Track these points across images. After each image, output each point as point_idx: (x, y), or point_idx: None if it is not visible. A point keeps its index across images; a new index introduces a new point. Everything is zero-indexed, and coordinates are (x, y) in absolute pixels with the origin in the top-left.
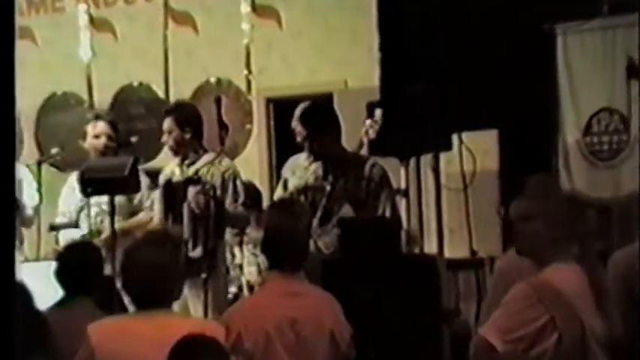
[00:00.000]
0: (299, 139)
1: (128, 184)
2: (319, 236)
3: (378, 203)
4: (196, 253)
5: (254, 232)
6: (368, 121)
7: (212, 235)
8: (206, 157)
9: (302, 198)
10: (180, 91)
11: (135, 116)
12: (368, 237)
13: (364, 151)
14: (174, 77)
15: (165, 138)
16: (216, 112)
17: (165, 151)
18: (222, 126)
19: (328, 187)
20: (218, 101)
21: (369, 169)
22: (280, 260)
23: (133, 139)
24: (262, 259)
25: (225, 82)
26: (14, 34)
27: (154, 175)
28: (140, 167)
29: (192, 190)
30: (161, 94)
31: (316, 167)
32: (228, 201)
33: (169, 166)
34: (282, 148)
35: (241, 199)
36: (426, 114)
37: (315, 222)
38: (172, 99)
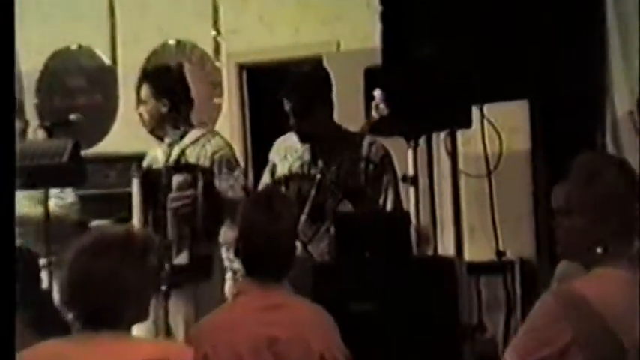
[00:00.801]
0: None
1: (69, 173)
2: (310, 240)
3: (378, 191)
4: (181, 259)
5: (229, 232)
6: (377, 93)
7: (202, 234)
8: (193, 134)
9: (283, 189)
10: (131, 56)
11: (74, 89)
12: (369, 236)
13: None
14: (122, 39)
15: (140, 108)
16: None
17: (115, 133)
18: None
19: (318, 176)
20: (178, 69)
21: (367, 148)
22: (257, 266)
23: (73, 117)
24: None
25: (187, 46)
26: None
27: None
28: (83, 152)
29: (176, 180)
30: (107, 60)
31: (303, 151)
32: (223, 187)
33: (154, 149)
34: (261, 126)
35: (240, 183)
36: (438, 82)
37: (304, 219)
38: (122, 67)
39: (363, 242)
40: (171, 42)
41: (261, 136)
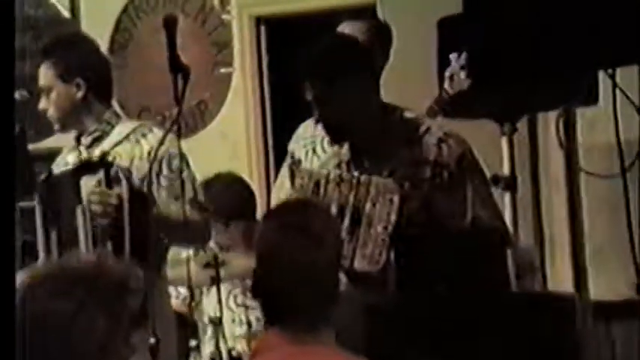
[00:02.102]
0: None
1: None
2: (352, 267)
3: (459, 207)
4: None
5: (239, 261)
6: (454, 56)
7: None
8: (119, 129)
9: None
10: (99, 5)
11: (18, 51)
12: (444, 264)
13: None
14: None
15: (42, 102)
16: (167, 43)
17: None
18: (178, 68)
19: (363, 178)
20: (169, 24)
21: (436, 146)
22: (287, 312)
23: (17, 95)
24: (257, 312)
25: None
26: None
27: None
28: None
29: (88, 183)
30: (64, 10)
31: (338, 147)
32: (163, 200)
33: (64, 151)
34: (286, 106)
35: (188, 194)
36: (546, 37)
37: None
38: (86, 20)
39: (436, 274)
40: None
41: (285, 120)
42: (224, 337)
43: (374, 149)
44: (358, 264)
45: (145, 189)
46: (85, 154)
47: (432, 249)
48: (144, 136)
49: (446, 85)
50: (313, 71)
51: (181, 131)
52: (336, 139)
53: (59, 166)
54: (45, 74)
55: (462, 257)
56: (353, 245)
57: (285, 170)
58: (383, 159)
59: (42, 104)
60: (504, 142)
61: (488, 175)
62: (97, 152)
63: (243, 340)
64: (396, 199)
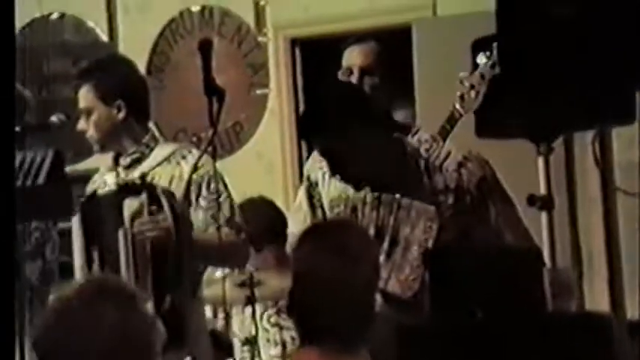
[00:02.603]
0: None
1: (47, 200)
2: (389, 275)
3: (485, 231)
4: None
5: (274, 281)
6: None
7: (173, 281)
8: (158, 151)
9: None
10: (137, 28)
11: (55, 76)
12: (479, 285)
13: (460, 130)
14: (124, 4)
15: (81, 123)
16: (202, 67)
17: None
18: (213, 91)
19: (402, 203)
20: (204, 47)
21: (456, 170)
22: (323, 331)
23: (54, 118)
24: (291, 332)
25: (217, 12)
26: None
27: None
28: (69, 168)
29: (129, 206)
30: (102, 34)
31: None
32: (200, 222)
33: (100, 172)
34: None
35: (224, 214)
36: (580, 56)
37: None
38: (124, 43)
39: (471, 295)
40: (195, 8)
41: None
42: (260, 356)
43: (395, 187)
44: (392, 288)
45: (184, 210)
46: (123, 175)
47: (467, 270)
48: (184, 157)
49: (457, 104)
50: (318, 130)
51: (217, 152)
52: (356, 187)
53: (97, 186)
54: (85, 96)
55: (497, 278)
56: (390, 268)
57: (302, 193)
58: (406, 193)
59: (81, 125)
60: (540, 162)
61: (513, 195)
62: (135, 174)
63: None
64: (435, 226)
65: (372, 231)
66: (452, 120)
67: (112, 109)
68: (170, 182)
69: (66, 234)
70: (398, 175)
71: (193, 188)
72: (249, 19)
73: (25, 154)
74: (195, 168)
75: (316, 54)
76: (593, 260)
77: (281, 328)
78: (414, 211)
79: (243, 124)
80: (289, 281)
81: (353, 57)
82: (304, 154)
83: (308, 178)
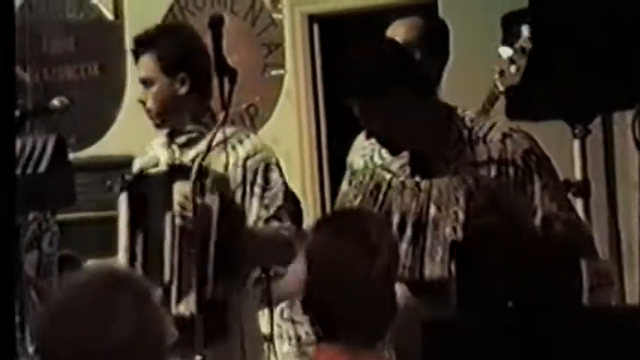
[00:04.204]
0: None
1: (49, 188)
2: (422, 260)
3: (524, 206)
4: (184, 308)
5: (292, 277)
6: (504, 50)
7: (216, 274)
8: (216, 134)
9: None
10: (144, 5)
11: (58, 56)
12: (511, 276)
13: (497, 112)
14: None
15: (143, 94)
16: (212, 45)
17: (121, 124)
18: (224, 71)
19: (424, 183)
20: (215, 24)
21: (501, 140)
22: (341, 326)
23: (55, 101)
24: (305, 326)
25: None
26: None
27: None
28: (71, 155)
29: (179, 189)
30: (107, 11)
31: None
32: (254, 211)
33: (152, 147)
34: (342, 112)
35: (277, 203)
36: (618, 32)
37: (405, 248)
38: (129, 22)
39: (501, 286)
40: None
41: (340, 125)
42: (275, 353)
43: (436, 153)
44: (428, 270)
45: (235, 199)
46: (177, 154)
47: (496, 259)
48: (240, 142)
49: (497, 81)
50: (356, 89)
51: None
52: (393, 151)
53: (147, 162)
54: (146, 65)
55: (530, 269)
56: (419, 253)
57: (345, 185)
58: (446, 162)
59: (143, 96)
60: (576, 145)
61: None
62: (191, 153)
63: (293, 356)
64: (461, 195)
65: (396, 218)
66: (492, 97)
67: (175, 82)
68: (226, 167)
69: (67, 225)
70: (437, 141)
71: (249, 175)
72: None
73: (25, 141)
74: (252, 153)
75: (335, 31)
76: (633, 250)
77: (294, 322)
78: (435, 189)
79: (257, 107)
80: (302, 276)
81: (397, 32)
82: (323, 139)
83: (351, 167)
